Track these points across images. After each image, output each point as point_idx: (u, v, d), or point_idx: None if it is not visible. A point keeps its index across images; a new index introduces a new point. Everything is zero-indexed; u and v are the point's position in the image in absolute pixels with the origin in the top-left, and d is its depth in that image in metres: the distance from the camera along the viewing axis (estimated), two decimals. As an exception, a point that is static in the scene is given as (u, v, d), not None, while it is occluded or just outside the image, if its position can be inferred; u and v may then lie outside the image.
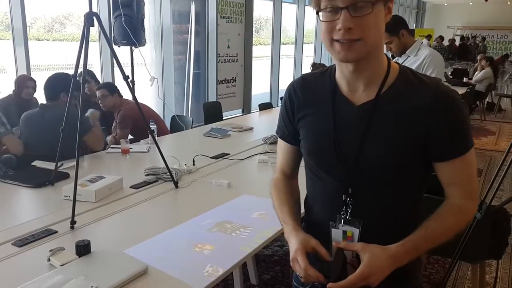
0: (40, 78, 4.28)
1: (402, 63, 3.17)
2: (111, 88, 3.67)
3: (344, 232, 1.08)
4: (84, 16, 1.99)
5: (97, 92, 3.70)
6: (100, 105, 3.69)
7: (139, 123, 3.15)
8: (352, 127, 1.06)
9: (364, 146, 1.04)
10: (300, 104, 1.16)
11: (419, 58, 3.06)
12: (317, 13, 1.00)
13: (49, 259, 1.50)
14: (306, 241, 1.06)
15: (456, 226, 1.06)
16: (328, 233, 1.10)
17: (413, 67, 3.02)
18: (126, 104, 3.66)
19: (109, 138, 3.67)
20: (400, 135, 1.02)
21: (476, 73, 8.98)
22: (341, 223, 1.08)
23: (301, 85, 1.17)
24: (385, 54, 1.08)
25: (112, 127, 3.77)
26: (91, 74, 4.16)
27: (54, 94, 2.87)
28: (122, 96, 3.72)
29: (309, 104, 1.14)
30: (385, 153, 1.03)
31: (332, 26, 0.97)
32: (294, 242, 1.08)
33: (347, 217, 1.08)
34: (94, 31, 2.08)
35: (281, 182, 1.28)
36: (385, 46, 3.15)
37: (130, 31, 3.94)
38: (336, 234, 1.09)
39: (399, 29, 3.04)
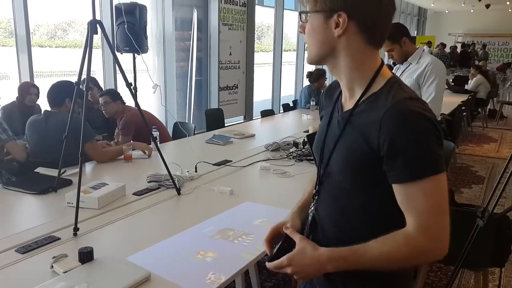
0: (43, 85, 4.30)
1: (404, 70, 3.18)
2: (113, 95, 3.69)
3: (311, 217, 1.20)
4: (88, 23, 2.01)
5: (99, 98, 3.71)
6: (103, 111, 3.71)
7: (142, 129, 3.16)
8: (333, 132, 1.12)
9: (333, 152, 1.09)
10: (322, 106, 1.28)
11: (421, 66, 3.05)
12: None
13: (52, 266, 1.50)
14: (283, 223, 1.20)
15: (395, 256, 0.97)
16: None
17: (415, 75, 3.04)
18: (129, 110, 3.67)
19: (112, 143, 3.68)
20: (358, 148, 1.01)
21: (470, 81, 9.04)
22: (309, 214, 1.20)
23: (327, 89, 1.27)
24: (382, 60, 1.09)
25: (115, 133, 3.78)
26: (94, 81, 4.19)
27: (58, 101, 2.89)
28: (125, 103, 3.74)
29: (326, 106, 1.23)
30: (343, 163, 1.06)
31: None
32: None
33: (314, 210, 1.19)
34: (97, 37, 2.10)
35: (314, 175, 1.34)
36: (386, 54, 3.17)
37: (133, 38, 3.97)
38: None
39: (400, 37, 3.05)
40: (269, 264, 1.08)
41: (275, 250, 1.13)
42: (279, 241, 1.16)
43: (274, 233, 1.19)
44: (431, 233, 0.95)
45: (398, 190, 0.98)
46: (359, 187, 1.05)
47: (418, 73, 3.04)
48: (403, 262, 1.00)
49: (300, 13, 1.08)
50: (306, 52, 1.14)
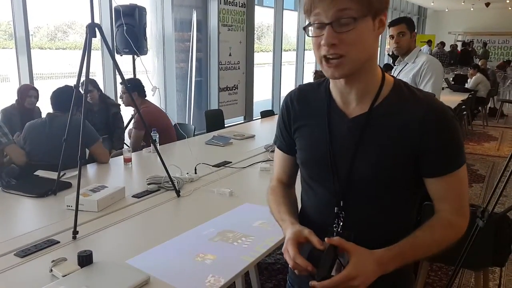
0: (43, 87, 4.31)
1: (401, 70, 3.20)
2: (132, 85, 3.64)
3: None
4: (86, 27, 2.01)
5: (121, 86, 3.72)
6: (119, 99, 3.71)
7: (150, 128, 3.17)
8: (346, 139, 1.06)
9: (355, 160, 1.04)
10: (296, 115, 1.16)
11: (417, 65, 3.09)
12: (305, 29, 1.01)
13: (51, 270, 1.50)
14: (299, 232, 1.04)
15: (445, 239, 1.05)
16: None
17: (411, 74, 3.06)
18: (146, 106, 3.66)
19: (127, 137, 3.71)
20: (391, 150, 1.02)
21: (469, 80, 9.04)
22: (333, 235, 1.02)
23: (297, 96, 1.18)
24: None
25: (127, 129, 3.80)
26: (93, 83, 4.18)
27: (62, 105, 2.87)
28: (144, 96, 3.72)
29: (304, 115, 1.15)
30: (376, 168, 1.03)
31: (318, 41, 0.98)
32: (288, 233, 1.07)
33: (339, 230, 1.08)
34: (96, 39, 2.10)
35: (277, 188, 1.28)
36: (396, 37, 3.09)
37: (132, 40, 3.97)
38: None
39: (413, 29, 3.13)
40: (324, 285, 0.95)
41: (321, 267, 0.97)
42: (304, 252, 1.01)
43: (297, 246, 1.03)
44: (465, 212, 1.07)
45: (437, 182, 1.04)
46: (390, 189, 1.06)
47: (414, 71, 3.08)
48: (448, 244, 1.05)
49: (338, 21, 0.94)
50: (325, 64, 0.99)
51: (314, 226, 1.13)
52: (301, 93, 1.18)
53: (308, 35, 1.00)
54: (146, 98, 3.77)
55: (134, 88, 3.60)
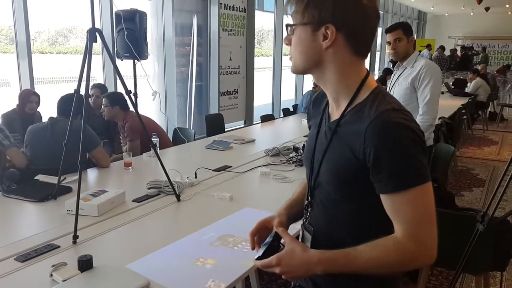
0: (44, 92, 4.32)
1: (400, 75, 3.21)
2: (112, 100, 3.65)
3: (302, 232, 1.21)
4: (87, 32, 2.02)
5: (103, 99, 3.70)
6: (102, 113, 3.70)
7: (143, 136, 3.16)
8: (322, 142, 1.13)
9: (322, 163, 1.10)
10: (311, 114, 1.27)
11: (416, 69, 3.10)
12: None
13: (51, 275, 1.50)
14: (271, 218, 1.21)
15: (385, 260, 0.97)
16: None
17: (410, 78, 3.08)
18: (131, 117, 3.66)
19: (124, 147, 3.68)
20: (343, 159, 1.03)
21: (469, 84, 9.06)
22: (303, 225, 1.20)
23: (316, 97, 1.27)
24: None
25: (121, 138, 3.78)
26: (103, 89, 4.18)
27: (68, 111, 2.87)
28: (127, 109, 3.69)
29: (315, 115, 1.23)
30: (332, 174, 1.08)
31: None
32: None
33: (306, 222, 1.19)
34: (97, 43, 2.12)
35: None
36: (393, 43, 3.12)
37: (133, 44, 3.97)
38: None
39: (410, 34, 3.13)
40: (257, 263, 1.08)
41: (263, 249, 1.10)
42: (264, 236, 1.16)
43: (259, 227, 1.20)
44: (419, 240, 0.96)
45: (385, 200, 0.99)
46: (347, 198, 1.07)
47: (413, 76, 3.08)
48: (392, 267, 1.00)
49: (286, 26, 1.09)
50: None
51: None
52: (318, 96, 1.26)
53: None
54: (130, 110, 3.73)
55: (116, 102, 3.61)
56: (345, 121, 1.06)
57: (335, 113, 1.11)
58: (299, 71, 1.11)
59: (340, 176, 1.05)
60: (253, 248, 1.18)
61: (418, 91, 3.09)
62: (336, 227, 1.11)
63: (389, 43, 3.17)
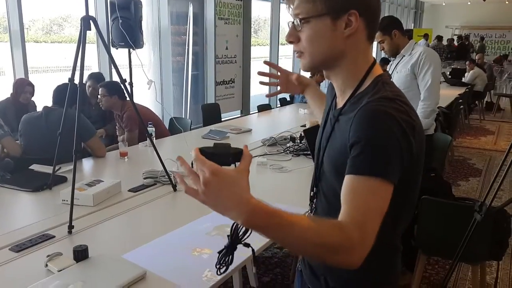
0: (39, 81, 4.27)
1: (398, 63, 3.19)
2: (110, 89, 3.62)
3: None
4: (81, 19, 1.99)
5: (99, 89, 3.66)
6: (99, 103, 3.66)
7: (141, 125, 3.13)
8: (327, 130, 1.10)
9: (325, 152, 1.07)
10: (326, 102, 1.24)
11: (414, 56, 3.07)
12: (288, 23, 1.06)
13: (46, 265, 1.49)
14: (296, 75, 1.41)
15: (323, 238, 0.85)
16: None
17: (409, 64, 3.05)
18: (129, 106, 3.62)
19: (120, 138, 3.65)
20: (338, 147, 1.01)
21: (466, 74, 9.04)
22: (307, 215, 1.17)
23: (330, 84, 1.21)
24: (374, 59, 1.06)
25: (117, 128, 3.75)
26: (98, 77, 4.14)
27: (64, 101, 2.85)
28: (124, 98, 3.65)
29: (327, 103, 1.22)
30: (331, 163, 1.05)
31: None
32: None
33: (311, 214, 1.16)
34: (92, 32, 2.08)
35: None
36: (379, 45, 3.18)
37: (128, 33, 3.93)
38: None
39: (391, 29, 3.08)
40: (195, 151, 0.85)
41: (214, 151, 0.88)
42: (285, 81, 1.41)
43: (286, 76, 1.54)
44: (363, 231, 0.86)
45: (345, 181, 0.92)
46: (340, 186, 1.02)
47: (413, 62, 3.06)
48: (325, 250, 0.86)
49: (294, 21, 1.00)
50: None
51: None
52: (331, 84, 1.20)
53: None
54: (128, 99, 3.70)
55: (114, 92, 3.57)
56: (345, 110, 1.03)
57: (339, 102, 1.09)
58: (316, 68, 1.06)
59: (336, 165, 1.02)
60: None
61: (418, 77, 3.06)
62: (336, 216, 1.06)
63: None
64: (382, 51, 3.21)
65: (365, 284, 1.08)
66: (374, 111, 0.92)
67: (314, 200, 1.15)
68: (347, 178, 0.92)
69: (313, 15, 0.97)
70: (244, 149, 0.91)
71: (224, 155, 0.88)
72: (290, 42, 1.03)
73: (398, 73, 3.16)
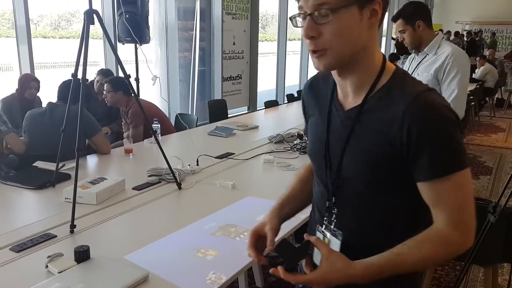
0: (46, 76, 4.25)
1: (420, 62, 2.72)
2: (115, 84, 3.57)
3: (323, 238, 1.07)
4: (84, 13, 1.94)
5: (105, 84, 3.61)
6: (104, 99, 3.62)
7: (145, 122, 3.09)
8: (338, 133, 1.02)
9: (344, 155, 1.00)
10: (309, 103, 1.16)
11: (440, 58, 2.58)
12: (291, 19, 0.96)
13: (47, 266, 1.45)
14: (262, 225, 1.13)
15: (434, 257, 0.94)
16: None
17: (433, 68, 2.59)
18: (134, 103, 3.57)
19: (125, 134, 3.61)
20: (376, 147, 0.94)
21: (477, 70, 8.90)
22: (323, 228, 1.08)
23: (310, 84, 1.16)
24: (383, 54, 1.00)
25: (123, 124, 3.71)
26: (106, 73, 4.10)
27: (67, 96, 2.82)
28: (130, 94, 3.59)
29: (314, 104, 1.13)
30: (362, 166, 0.97)
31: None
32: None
33: (331, 227, 1.06)
34: (99, 27, 2.04)
35: (305, 169, 1.27)
36: (400, 34, 2.74)
37: (135, 28, 3.89)
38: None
39: (415, 19, 2.64)
40: (288, 276, 0.96)
41: (291, 258, 0.99)
42: (261, 248, 1.10)
43: (256, 238, 1.12)
44: (463, 227, 0.92)
45: (427, 187, 0.92)
46: (378, 191, 0.98)
47: (437, 66, 2.57)
48: (440, 261, 0.97)
49: (316, 12, 0.89)
50: (311, 56, 0.96)
51: (314, 216, 1.16)
52: (314, 81, 1.15)
53: (294, 26, 0.95)
54: (133, 95, 3.64)
55: (119, 87, 3.50)
56: (370, 107, 0.96)
57: (350, 100, 1.00)
58: (339, 66, 0.95)
59: (371, 166, 0.95)
60: (259, 260, 1.09)
61: (442, 85, 2.56)
62: (368, 225, 1.01)
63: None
64: (403, 41, 2.74)
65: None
66: (433, 105, 0.89)
67: (333, 211, 1.05)
68: (429, 184, 0.91)
69: (343, 5, 0.88)
70: (307, 237, 1.00)
71: (293, 254, 1.00)
72: (311, 38, 0.91)
73: (419, 76, 2.64)
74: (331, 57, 0.92)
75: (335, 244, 1.03)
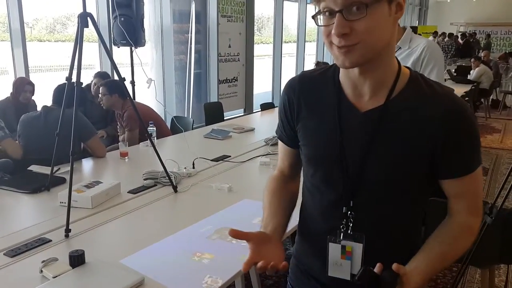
0: (41, 80, 4.23)
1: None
2: (110, 88, 3.55)
3: (343, 247, 1.02)
4: (78, 16, 1.94)
5: (100, 88, 3.59)
6: (100, 102, 3.60)
7: (141, 125, 3.08)
8: (357, 136, 0.97)
9: (368, 158, 0.96)
10: (299, 106, 1.06)
11: (415, 50, 2.63)
12: (314, 17, 0.92)
13: (41, 271, 1.44)
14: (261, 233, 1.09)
15: (467, 247, 1.04)
16: (324, 247, 1.04)
17: (410, 61, 2.62)
18: (129, 106, 3.55)
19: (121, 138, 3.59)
20: (408, 149, 0.94)
21: (472, 72, 8.93)
22: (340, 237, 1.01)
23: (300, 84, 1.08)
24: (396, 57, 0.99)
25: (118, 127, 3.69)
26: (103, 76, 4.08)
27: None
28: (125, 97, 3.56)
29: (308, 107, 1.05)
30: (391, 167, 0.96)
31: (329, 30, 0.89)
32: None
33: (348, 232, 1.01)
34: (94, 31, 2.03)
35: (276, 181, 1.19)
36: None
37: (130, 31, 3.89)
38: (334, 249, 1.03)
39: None
40: None
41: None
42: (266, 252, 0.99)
43: (256, 255, 1.01)
44: (480, 212, 1.03)
45: (456, 182, 0.98)
46: (405, 191, 0.99)
47: (414, 58, 2.63)
48: (466, 249, 1.05)
49: (364, 6, 0.85)
50: (335, 51, 0.91)
51: (317, 228, 1.10)
52: (304, 81, 1.08)
53: (318, 24, 0.91)
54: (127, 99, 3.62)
55: (114, 90, 3.46)
56: (398, 108, 0.95)
57: (366, 101, 0.97)
58: (366, 61, 0.91)
59: (400, 167, 0.95)
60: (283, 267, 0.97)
61: None
62: (390, 224, 1.01)
63: None
64: None
65: None
66: (467, 109, 0.96)
67: (350, 216, 1.01)
68: (460, 180, 0.98)
69: (372, 1, 0.85)
70: (396, 268, 0.89)
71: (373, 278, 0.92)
72: (343, 35, 0.87)
73: None
74: (360, 52, 0.89)
75: (358, 248, 1.00)
